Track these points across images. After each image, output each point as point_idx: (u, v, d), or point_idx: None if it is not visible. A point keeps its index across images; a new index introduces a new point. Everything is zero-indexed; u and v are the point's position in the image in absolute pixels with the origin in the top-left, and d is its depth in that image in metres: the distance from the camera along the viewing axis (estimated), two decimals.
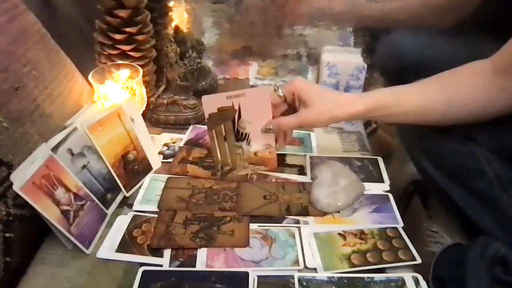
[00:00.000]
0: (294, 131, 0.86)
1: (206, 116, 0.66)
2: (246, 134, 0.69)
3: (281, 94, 0.67)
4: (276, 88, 0.68)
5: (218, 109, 0.66)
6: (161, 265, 0.57)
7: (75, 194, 0.59)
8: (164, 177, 0.73)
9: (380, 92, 0.64)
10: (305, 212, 0.66)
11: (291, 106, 0.68)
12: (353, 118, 0.64)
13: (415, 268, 0.57)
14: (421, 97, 0.61)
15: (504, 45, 0.56)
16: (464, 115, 0.59)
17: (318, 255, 0.59)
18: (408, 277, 0.55)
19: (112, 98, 0.74)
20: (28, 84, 0.63)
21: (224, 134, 0.68)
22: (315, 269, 0.57)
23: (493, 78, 0.56)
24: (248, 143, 0.70)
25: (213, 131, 0.68)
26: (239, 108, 0.66)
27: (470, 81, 0.58)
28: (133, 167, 0.70)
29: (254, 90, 0.67)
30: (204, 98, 0.66)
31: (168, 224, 0.63)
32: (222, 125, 0.67)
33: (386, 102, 0.62)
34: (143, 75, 0.80)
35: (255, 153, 0.71)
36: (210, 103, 0.66)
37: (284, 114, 0.68)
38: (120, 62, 0.79)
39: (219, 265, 0.57)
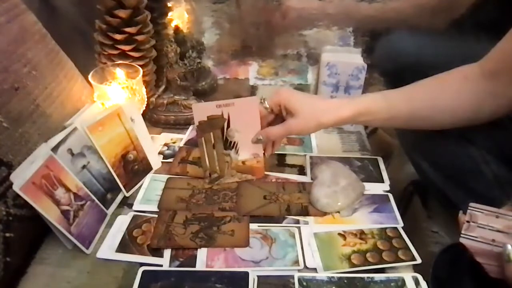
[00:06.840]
0: None
1: (196, 123, 0.67)
2: (234, 142, 0.69)
3: (267, 106, 0.67)
4: (262, 100, 0.68)
5: (207, 117, 0.67)
6: (161, 265, 0.57)
7: (75, 194, 0.59)
8: (164, 177, 0.73)
9: (368, 97, 0.64)
10: (305, 212, 0.66)
11: (279, 115, 0.68)
12: (340, 123, 0.65)
13: (415, 268, 0.57)
14: (408, 103, 0.61)
15: (491, 50, 0.55)
16: (453, 120, 0.59)
17: (318, 255, 0.59)
18: (408, 277, 0.55)
19: (112, 98, 0.74)
20: (28, 84, 0.63)
21: (213, 141, 0.69)
22: (315, 269, 0.57)
23: (482, 83, 0.56)
24: (236, 152, 0.70)
25: (202, 138, 0.68)
26: (228, 117, 0.67)
27: (458, 87, 0.58)
28: (133, 167, 0.70)
29: (243, 100, 0.67)
30: (194, 106, 0.68)
31: (168, 224, 0.63)
32: (211, 133, 0.68)
33: (373, 108, 0.62)
34: (143, 75, 0.80)
35: (243, 162, 0.71)
36: (200, 111, 0.67)
37: (271, 123, 0.69)
38: (120, 62, 0.79)
39: (219, 265, 0.57)
